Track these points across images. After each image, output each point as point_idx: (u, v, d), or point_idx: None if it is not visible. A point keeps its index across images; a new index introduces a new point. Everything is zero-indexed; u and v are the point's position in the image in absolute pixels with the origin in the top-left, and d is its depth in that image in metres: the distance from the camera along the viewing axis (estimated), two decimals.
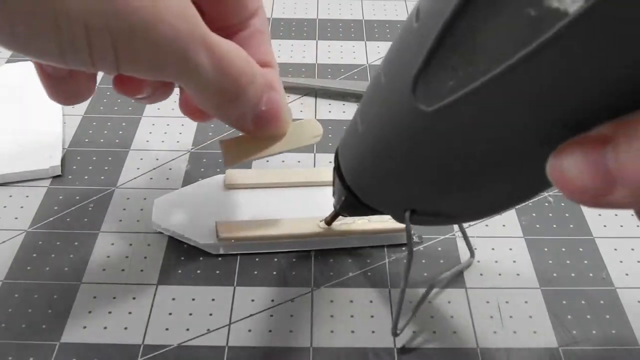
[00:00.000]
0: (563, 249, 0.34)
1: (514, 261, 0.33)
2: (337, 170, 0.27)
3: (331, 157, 0.40)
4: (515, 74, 0.17)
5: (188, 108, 0.30)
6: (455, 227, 0.35)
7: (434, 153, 0.21)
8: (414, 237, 0.34)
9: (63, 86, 0.28)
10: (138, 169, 0.39)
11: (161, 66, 0.24)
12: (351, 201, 0.28)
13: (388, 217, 0.33)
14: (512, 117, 0.18)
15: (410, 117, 0.21)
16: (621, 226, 0.36)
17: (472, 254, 0.33)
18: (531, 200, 0.37)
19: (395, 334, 0.29)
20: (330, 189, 0.36)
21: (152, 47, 0.23)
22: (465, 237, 0.33)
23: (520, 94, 0.17)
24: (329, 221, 0.33)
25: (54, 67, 0.27)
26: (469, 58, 0.18)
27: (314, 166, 0.39)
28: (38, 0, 0.20)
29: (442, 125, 0.20)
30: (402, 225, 0.33)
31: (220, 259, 0.33)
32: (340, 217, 0.33)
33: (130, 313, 0.31)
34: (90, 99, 0.44)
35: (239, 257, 0.33)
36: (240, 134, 0.30)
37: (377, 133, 0.23)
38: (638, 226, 0.36)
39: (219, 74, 0.26)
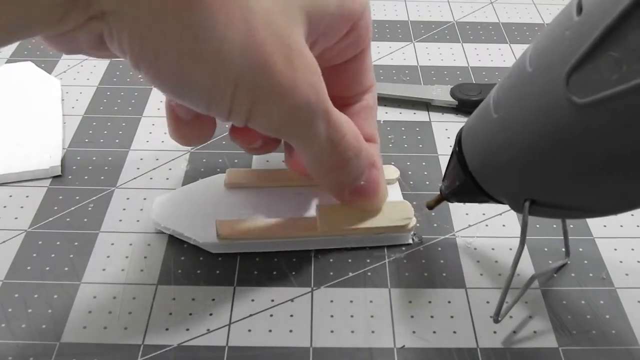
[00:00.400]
0: (563, 249, 0.34)
1: None
2: (459, 154, 0.28)
3: None
4: None
5: (294, 163, 0.33)
6: (455, 227, 0.35)
7: (578, 147, 0.22)
8: (414, 238, 0.34)
9: (189, 128, 0.31)
10: (138, 169, 0.39)
11: (285, 128, 0.27)
12: (468, 186, 0.28)
13: (388, 214, 0.33)
14: None
15: (559, 108, 0.21)
16: (621, 226, 0.36)
17: (568, 253, 0.33)
18: None
19: (497, 320, 0.29)
20: None
21: (283, 111, 0.26)
22: (566, 235, 0.33)
23: None
24: (432, 205, 0.33)
25: (184, 111, 0.30)
26: (637, 55, 0.18)
27: None
28: (199, 57, 0.23)
29: (593, 120, 0.20)
30: (402, 225, 0.33)
31: (220, 259, 0.33)
32: (340, 217, 0.33)
33: (130, 313, 0.31)
34: (90, 99, 0.44)
35: (239, 257, 0.33)
36: (334, 201, 0.33)
37: (517, 122, 0.24)
38: (638, 226, 0.36)
39: (331, 145, 0.28)
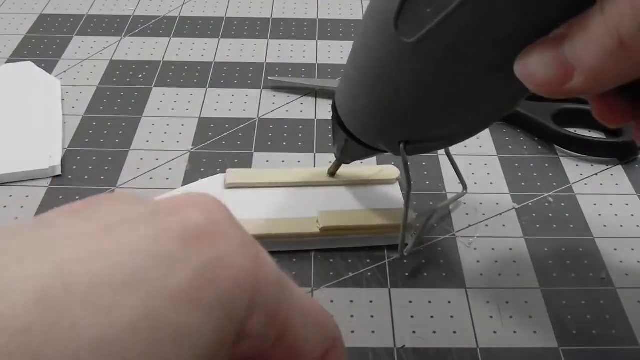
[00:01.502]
0: (563, 249, 0.34)
1: (514, 261, 0.33)
2: (337, 118, 0.30)
3: (330, 157, 0.40)
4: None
5: None
6: (455, 227, 0.35)
7: (421, 79, 0.24)
8: (414, 239, 0.34)
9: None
10: (138, 169, 0.39)
11: None
12: (352, 145, 0.30)
13: (388, 214, 0.33)
14: (486, 35, 0.21)
15: (395, 50, 0.24)
16: (621, 226, 0.36)
17: (465, 187, 0.36)
18: (531, 201, 0.37)
19: (402, 255, 0.32)
20: (330, 189, 0.36)
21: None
22: (456, 168, 0.35)
23: (490, 10, 0.20)
24: (333, 171, 0.35)
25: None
26: None
27: (314, 166, 0.39)
28: None
29: (425, 52, 0.23)
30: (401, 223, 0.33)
31: None
32: (340, 217, 0.33)
33: None
34: (90, 99, 0.44)
35: None
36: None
37: (369, 72, 0.26)
38: (638, 226, 0.36)
39: None
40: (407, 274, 0.33)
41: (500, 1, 0.20)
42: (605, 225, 0.36)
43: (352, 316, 0.31)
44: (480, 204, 0.37)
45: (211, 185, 0.36)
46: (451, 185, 0.38)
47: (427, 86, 0.24)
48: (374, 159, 0.39)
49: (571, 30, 0.19)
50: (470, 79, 0.23)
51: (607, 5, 0.18)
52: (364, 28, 0.26)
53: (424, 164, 0.39)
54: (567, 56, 0.19)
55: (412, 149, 0.28)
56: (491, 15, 0.20)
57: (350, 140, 0.30)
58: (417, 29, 0.22)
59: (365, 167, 0.38)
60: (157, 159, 0.39)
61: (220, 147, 0.40)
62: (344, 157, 0.33)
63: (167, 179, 0.38)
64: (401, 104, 0.26)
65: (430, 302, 0.31)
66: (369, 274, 0.33)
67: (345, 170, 0.37)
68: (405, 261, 0.33)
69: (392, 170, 0.37)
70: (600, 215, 0.36)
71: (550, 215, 0.36)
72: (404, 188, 0.37)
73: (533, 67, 0.20)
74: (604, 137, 0.41)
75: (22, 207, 0.36)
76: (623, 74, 0.19)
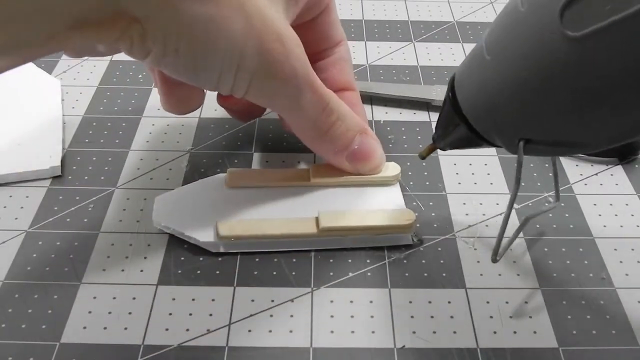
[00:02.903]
0: (563, 249, 0.34)
1: (514, 261, 0.33)
2: (452, 100, 0.28)
3: None
4: None
5: (288, 126, 0.35)
6: (455, 227, 0.35)
7: (572, 81, 0.22)
8: (414, 238, 0.34)
9: (182, 92, 0.34)
10: (138, 169, 0.39)
11: (277, 98, 0.31)
12: (463, 131, 0.29)
13: (388, 215, 0.33)
14: None
15: (554, 43, 0.22)
16: (621, 226, 0.36)
17: (558, 198, 0.34)
18: (531, 201, 0.37)
19: (495, 260, 0.30)
20: (330, 189, 0.36)
21: (276, 84, 0.30)
22: (556, 178, 0.33)
23: None
24: (425, 155, 0.33)
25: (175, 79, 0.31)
26: None
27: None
28: (211, 49, 0.27)
29: (588, 52, 0.21)
30: (401, 223, 0.33)
31: (220, 259, 0.33)
32: (341, 217, 0.33)
33: (130, 313, 0.31)
34: (90, 99, 0.44)
35: (239, 257, 0.33)
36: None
37: (511, 61, 0.24)
38: (638, 226, 0.36)
39: (316, 110, 0.32)
40: (407, 274, 0.33)
41: None
42: (605, 225, 0.36)
43: (352, 316, 0.31)
44: (480, 204, 0.37)
45: (212, 184, 0.36)
46: (451, 185, 0.38)
47: (573, 86, 0.22)
48: None
49: None
50: (626, 91, 0.21)
51: None
52: (512, 9, 0.24)
53: (423, 164, 0.39)
54: None
55: (532, 149, 0.26)
56: None
57: (462, 125, 0.28)
58: (585, 25, 0.20)
59: None
60: (157, 159, 0.39)
61: (220, 147, 0.40)
62: (443, 143, 0.31)
63: (167, 179, 0.38)
64: (538, 102, 0.24)
65: (430, 302, 0.31)
66: (369, 274, 0.33)
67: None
68: (405, 261, 0.33)
69: (392, 167, 0.37)
70: (600, 215, 0.36)
71: (550, 215, 0.36)
72: (405, 189, 0.37)
73: None
74: None
75: (22, 207, 0.36)
76: None
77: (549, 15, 0.21)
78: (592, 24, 0.20)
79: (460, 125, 0.29)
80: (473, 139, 0.29)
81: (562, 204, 0.37)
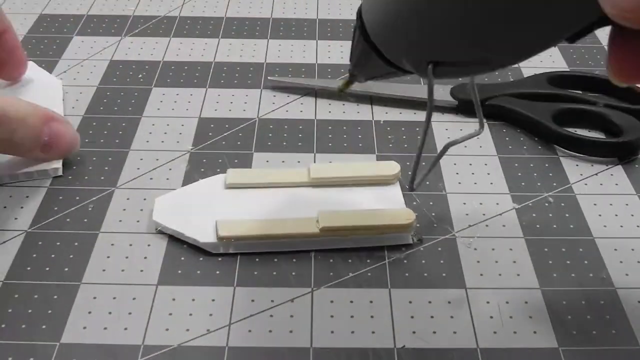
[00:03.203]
0: (563, 249, 0.34)
1: (514, 261, 0.33)
2: (361, 27, 0.27)
3: (330, 157, 0.40)
4: None
5: None
6: (455, 227, 0.35)
7: None
8: (414, 238, 0.34)
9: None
10: (138, 169, 0.39)
11: None
12: (372, 58, 0.27)
13: (388, 214, 0.33)
14: None
15: None
16: (621, 226, 0.36)
17: (482, 125, 0.32)
18: (531, 201, 0.37)
19: (412, 188, 0.30)
20: (330, 189, 0.36)
21: None
22: (478, 107, 0.32)
23: None
24: (343, 88, 0.32)
25: None
26: None
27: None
28: None
29: None
30: (401, 223, 0.33)
31: (220, 259, 0.33)
32: (340, 217, 0.33)
33: (130, 313, 0.31)
34: (90, 99, 0.44)
35: (239, 257, 0.33)
36: None
37: None
38: (638, 226, 0.36)
39: None
40: (407, 274, 0.33)
41: None
42: (605, 225, 0.36)
43: (352, 316, 0.31)
44: (480, 204, 0.37)
45: (211, 185, 0.36)
46: (451, 185, 0.38)
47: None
48: (373, 155, 0.39)
49: None
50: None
51: None
52: None
53: (423, 163, 0.39)
54: None
55: (442, 71, 0.25)
56: None
57: (373, 54, 0.27)
58: None
59: (366, 163, 0.38)
60: (157, 159, 0.39)
61: (220, 147, 0.40)
62: (359, 74, 0.30)
63: (167, 179, 0.38)
64: (441, 17, 0.22)
65: (430, 302, 0.31)
66: (369, 274, 0.33)
67: (345, 166, 0.37)
68: (405, 261, 0.33)
69: (392, 166, 0.37)
70: (600, 215, 0.36)
71: (550, 215, 0.36)
72: (405, 188, 0.37)
73: None
74: (604, 137, 0.41)
75: (22, 207, 0.36)
76: None
77: None
78: None
79: (370, 52, 0.27)
80: (385, 67, 0.27)
81: (562, 204, 0.37)
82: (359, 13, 0.27)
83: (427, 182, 0.38)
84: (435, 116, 0.43)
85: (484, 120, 0.33)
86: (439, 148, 0.40)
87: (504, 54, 0.24)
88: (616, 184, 0.38)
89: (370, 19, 0.26)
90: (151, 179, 0.38)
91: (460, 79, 0.26)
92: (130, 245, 0.34)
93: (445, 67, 0.25)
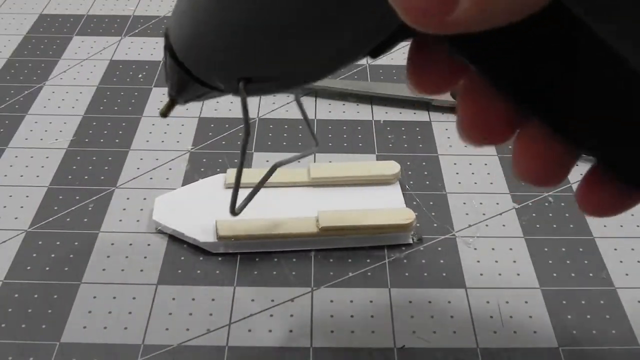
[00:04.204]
0: (563, 249, 0.34)
1: (514, 261, 0.33)
2: (169, 48, 0.26)
3: (331, 157, 0.40)
4: None
5: None
6: (455, 227, 0.35)
7: (263, 7, 0.20)
8: (414, 238, 0.34)
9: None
10: (138, 169, 0.39)
11: None
12: (186, 80, 0.26)
13: (388, 214, 0.33)
14: None
15: None
16: (621, 226, 0.36)
17: (317, 142, 0.32)
18: (531, 201, 0.37)
19: (234, 212, 0.28)
20: (330, 189, 0.36)
21: None
22: (309, 125, 0.31)
23: None
24: (165, 112, 0.29)
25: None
26: None
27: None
28: None
29: None
30: (401, 222, 0.33)
31: (220, 259, 0.33)
32: (340, 217, 0.33)
33: (130, 313, 0.31)
34: (90, 99, 0.44)
35: (239, 257, 0.33)
36: None
37: None
38: (638, 226, 0.36)
39: None
40: (407, 274, 0.33)
41: None
42: (605, 225, 0.36)
43: (352, 316, 0.31)
44: (480, 204, 0.37)
45: (212, 185, 0.36)
46: (451, 185, 0.38)
47: (267, 7, 0.20)
48: (373, 155, 0.39)
49: None
50: (319, 4, 0.19)
51: None
52: None
53: (423, 163, 0.39)
54: None
55: (254, 88, 0.24)
56: None
57: (185, 75, 0.26)
58: None
59: (365, 163, 0.38)
60: (157, 159, 0.39)
61: (220, 147, 0.40)
62: (177, 97, 0.28)
63: (167, 179, 0.38)
64: (239, 29, 0.22)
65: (430, 302, 0.31)
66: (369, 274, 0.33)
67: (344, 166, 0.37)
68: (405, 261, 0.33)
69: (392, 166, 0.37)
70: None
71: (550, 215, 0.36)
72: (405, 188, 0.37)
73: None
74: None
75: (22, 207, 0.36)
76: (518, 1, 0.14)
77: None
78: None
79: (180, 72, 0.26)
80: (201, 87, 0.26)
81: (562, 204, 0.37)
82: (166, 32, 0.26)
83: (427, 182, 0.38)
84: (435, 116, 0.43)
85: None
86: (439, 149, 0.40)
87: (306, 69, 0.23)
88: None
89: (176, 38, 0.25)
90: (151, 178, 0.38)
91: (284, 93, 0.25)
92: (130, 245, 0.34)
93: (257, 84, 0.24)
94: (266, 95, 0.25)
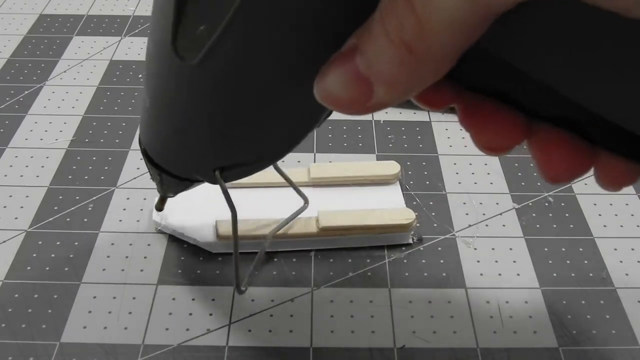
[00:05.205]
0: (563, 249, 0.34)
1: (514, 261, 0.33)
2: (144, 153, 0.27)
3: (330, 157, 0.40)
4: (252, 6, 0.17)
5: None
6: (455, 227, 0.35)
7: (213, 105, 0.22)
8: (414, 238, 0.34)
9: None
10: (138, 169, 0.39)
11: None
12: (167, 179, 0.28)
13: (388, 214, 0.33)
14: (266, 51, 0.19)
15: (180, 75, 0.21)
16: (621, 226, 0.36)
17: (306, 200, 0.34)
18: (531, 201, 0.37)
19: (240, 291, 0.30)
20: (330, 189, 0.36)
21: None
22: (293, 185, 0.33)
23: (266, 25, 0.18)
24: (159, 206, 0.31)
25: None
26: (208, 6, 0.19)
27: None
28: None
29: (212, 74, 0.20)
30: (401, 222, 0.33)
31: (220, 258, 0.33)
32: (340, 217, 0.33)
33: (130, 313, 0.31)
34: (90, 99, 0.44)
35: None
36: None
37: (159, 102, 0.23)
38: (638, 226, 0.36)
39: None
40: (407, 274, 0.33)
41: (271, 14, 0.17)
42: (605, 225, 0.36)
43: (352, 316, 0.31)
44: (480, 203, 0.37)
45: (211, 185, 0.36)
46: (451, 185, 0.38)
47: (219, 110, 0.22)
48: (373, 155, 0.39)
49: (360, 40, 0.17)
50: (264, 100, 0.21)
51: (385, 11, 0.16)
52: (147, 51, 0.24)
53: (423, 163, 0.39)
54: (362, 70, 0.17)
55: (230, 175, 0.26)
56: (269, 28, 0.18)
57: (165, 175, 0.27)
58: (197, 50, 0.19)
59: (365, 163, 0.38)
60: None
61: None
62: (165, 192, 0.30)
63: None
64: (200, 132, 0.24)
65: (430, 302, 0.31)
66: (369, 274, 0.33)
67: (344, 166, 0.37)
68: (405, 261, 0.33)
69: (392, 166, 0.37)
70: (600, 215, 0.36)
71: (550, 215, 0.36)
72: (405, 188, 0.37)
73: (332, 88, 0.17)
74: None
75: (22, 207, 0.36)
76: (426, 78, 0.16)
77: (168, 51, 0.21)
78: (200, 48, 0.19)
79: (160, 172, 0.28)
80: (179, 181, 0.28)
81: (563, 204, 0.37)
82: (140, 138, 0.28)
83: (427, 182, 0.38)
84: (435, 116, 0.43)
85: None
86: (439, 148, 0.40)
87: (269, 151, 0.25)
88: None
89: (149, 144, 0.27)
90: (151, 179, 0.38)
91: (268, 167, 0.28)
92: (130, 245, 0.34)
93: (232, 170, 0.26)
94: (244, 176, 0.27)
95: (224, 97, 0.21)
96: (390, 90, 0.17)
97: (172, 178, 0.28)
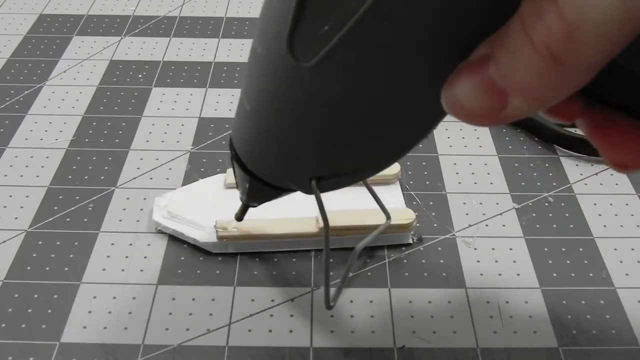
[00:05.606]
0: (563, 249, 0.34)
1: (514, 261, 0.33)
2: (236, 158, 0.27)
3: None
4: (383, 9, 0.17)
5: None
6: (455, 227, 0.35)
7: (325, 110, 0.21)
8: (414, 238, 0.34)
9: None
10: (138, 169, 0.39)
11: None
12: (257, 186, 0.27)
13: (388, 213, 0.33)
14: (395, 56, 0.18)
15: (293, 77, 0.20)
16: (621, 226, 0.36)
17: (388, 217, 0.33)
18: (531, 201, 0.37)
19: (329, 307, 0.30)
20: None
21: None
22: (377, 200, 0.33)
23: (395, 28, 0.17)
24: (240, 216, 0.31)
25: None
26: (337, 3, 0.18)
27: None
28: None
29: (328, 78, 0.19)
30: (401, 222, 0.33)
31: (220, 258, 0.33)
32: (340, 217, 0.33)
33: (130, 313, 0.31)
34: (90, 99, 0.44)
35: (239, 257, 0.33)
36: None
37: (264, 106, 0.23)
38: (638, 226, 0.36)
39: None
40: (407, 274, 0.33)
41: (406, 16, 0.17)
42: (605, 225, 0.36)
43: (352, 316, 0.31)
44: (480, 204, 0.37)
45: (212, 185, 0.36)
46: (451, 185, 0.38)
47: (331, 117, 0.21)
48: None
49: (494, 48, 0.16)
50: (384, 108, 0.20)
51: (529, 19, 0.15)
52: (252, 53, 0.23)
53: (423, 163, 0.39)
54: (497, 80, 0.16)
55: (326, 185, 0.25)
56: (396, 32, 0.17)
57: (257, 182, 0.27)
58: (315, 51, 0.19)
59: None
60: (157, 159, 0.39)
61: (220, 147, 0.40)
62: (250, 201, 0.29)
63: (167, 179, 0.38)
64: (307, 138, 0.23)
65: (430, 302, 0.31)
66: (369, 274, 0.33)
67: None
68: (405, 261, 0.33)
69: (392, 166, 0.37)
70: (600, 215, 0.36)
71: (550, 215, 0.36)
72: (405, 188, 0.37)
73: (462, 98, 0.17)
74: None
75: (22, 207, 0.36)
76: (567, 89, 0.16)
77: (281, 52, 0.20)
78: (319, 49, 0.18)
79: (251, 180, 0.27)
80: (270, 190, 0.27)
81: (562, 204, 0.37)
82: (231, 143, 0.27)
83: (427, 182, 0.38)
84: None
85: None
86: (439, 148, 0.40)
87: (374, 161, 0.24)
88: (616, 184, 0.38)
89: (244, 151, 0.26)
90: (151, 178, 0.38)
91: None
92: (130, 245, 0.34)
93: (329, 180, 0.25)
94: (339, 188, 0.26)
95: (338, 103, 0.20)
96: (527, 102, 0.16)
97: (262, 185, 0.27)
